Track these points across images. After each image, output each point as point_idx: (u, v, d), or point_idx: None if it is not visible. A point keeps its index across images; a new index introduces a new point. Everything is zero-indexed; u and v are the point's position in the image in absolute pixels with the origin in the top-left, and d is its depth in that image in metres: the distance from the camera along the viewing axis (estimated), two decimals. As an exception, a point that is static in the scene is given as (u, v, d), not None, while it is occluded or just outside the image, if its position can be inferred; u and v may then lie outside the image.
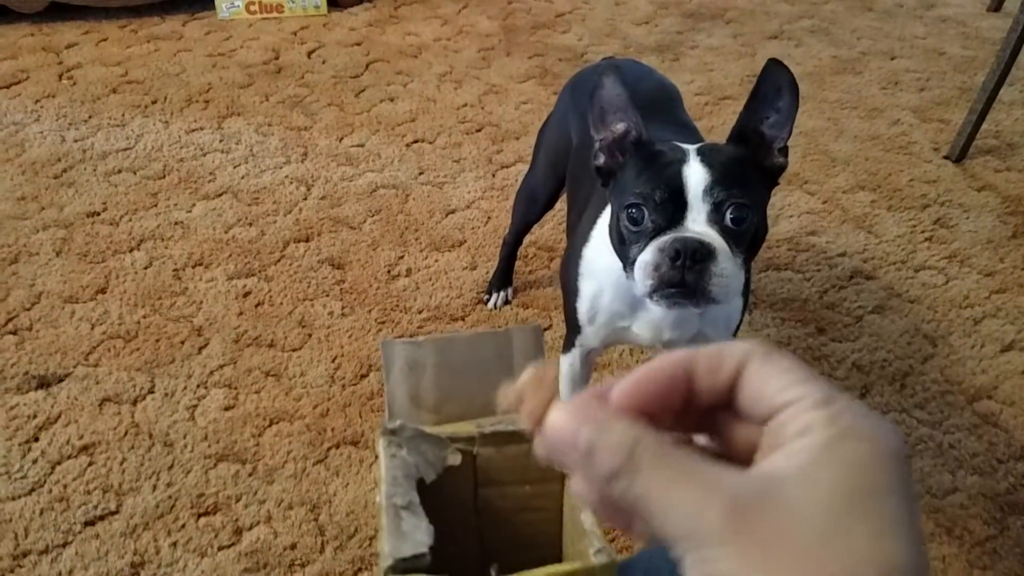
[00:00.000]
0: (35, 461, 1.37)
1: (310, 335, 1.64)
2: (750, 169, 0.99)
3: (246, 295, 1.73)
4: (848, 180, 2.21)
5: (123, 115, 2.30)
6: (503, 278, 1.76)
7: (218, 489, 1.35)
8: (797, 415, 0.31)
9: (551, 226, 1.92)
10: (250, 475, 1.37)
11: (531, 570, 0.42)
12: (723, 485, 0.30)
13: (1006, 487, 1.44)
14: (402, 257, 1.86)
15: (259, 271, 1.79)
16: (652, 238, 0.95)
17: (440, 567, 0.42)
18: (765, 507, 0.29)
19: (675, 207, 0.95)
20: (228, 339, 1.62)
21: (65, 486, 1.34)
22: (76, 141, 2.18)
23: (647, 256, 0.94)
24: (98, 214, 1.93)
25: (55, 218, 1.91)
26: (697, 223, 0.95)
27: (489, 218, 2.00)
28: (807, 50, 2.90)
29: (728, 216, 0.94)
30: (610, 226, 1.05)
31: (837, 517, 0.28)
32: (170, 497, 1.33)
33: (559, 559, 0.45)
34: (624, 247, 1.01)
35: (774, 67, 0.95)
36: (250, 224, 1.93)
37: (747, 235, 0.96)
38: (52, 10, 2.80)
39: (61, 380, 1.52)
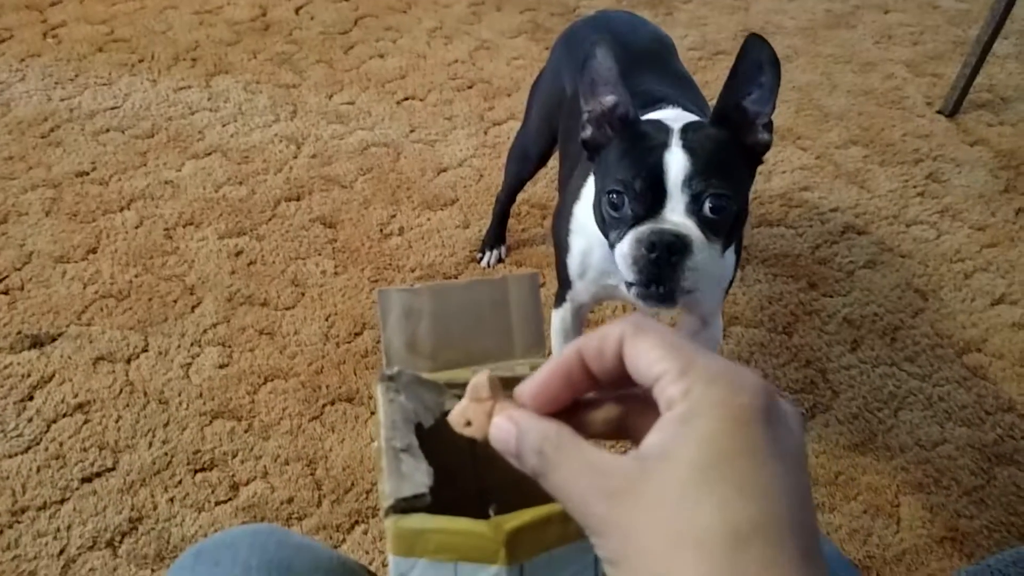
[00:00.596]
0: (30, 420, 1.38)
1: (303, 294, 1.64)
2: (733, 152, 0.99)
3: (238, 254, 1.72)
4: (841, 135, 2.20)
5: (110, 73, 2.27)
6: (496, 236, 1.76)
7: (214, 446, 1.36)
8: (663, 390, 0.33)
9: (544, 183, 1.92)
10: (246, 432, 1.38)
11: (529, 509, 0.43)
12: (605, 475, 0.32)
13: (993, 438, 1.46)
14: (394, 216, 1.85)
15: (250, 230, 1.79)
16: (632, 226, 0.97)
17: (439, 508, 0.42)
18: (635, 491, 0.31)
19: (654, 196, 0.96)
20: (221, 298, 1.62)
21: (61, 444, 1.35)
22: (63, 100, 2.15)
23: (625, 247, 0.96)
24: (87, 173, 1.92)
25: (43, 178, 1.89)
26: (675, 213, 0.95)
27: (481, 176, 1.99)
28: (801, 4, 2.87)
29: (707, 206, 0.95)
30: (594, 203, 1.06)
31: (688, 492, 0.30)
32: (166, 454, 1.34)
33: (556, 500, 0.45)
34: (605, 228, 1.02)
35: (755, 42, 0.95)
36: (240, 183, 1.92)
37: (726, 224, 0.97)
38: (34, -34, 2.75)
39: (54, 339, 1.52)
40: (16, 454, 1.33)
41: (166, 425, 1.39)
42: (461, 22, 2.65)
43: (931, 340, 1.63)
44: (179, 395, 1.43)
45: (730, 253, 1.15)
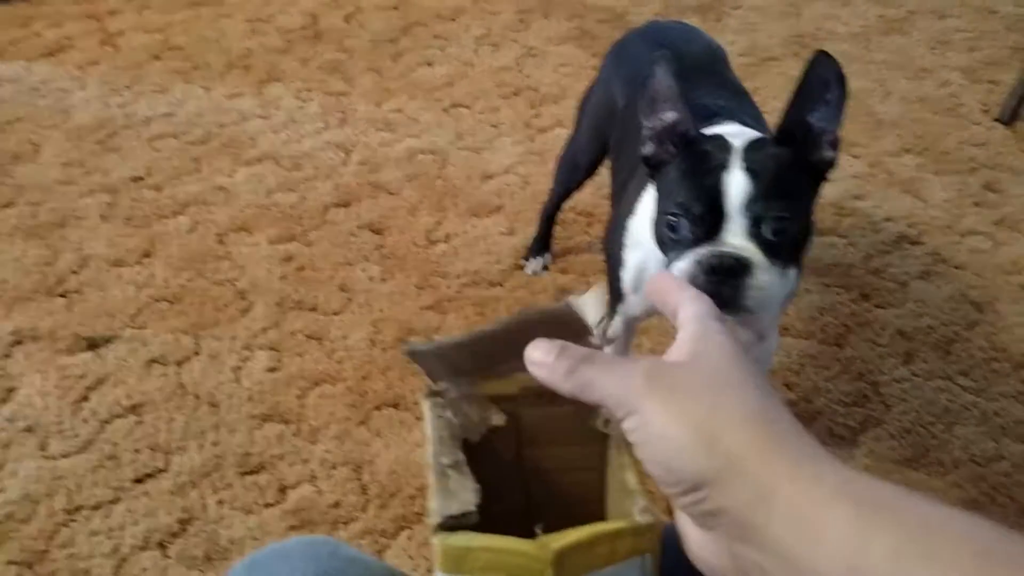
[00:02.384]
0: (85, 420, 1.41)
1: (350, 299, 1.66)
2: (795, 172, 0.97)
3: (288, 259, 1.75)
4: (895, 143, 2.16)
5: (165, 81, 2.32)
6: (542, 243, 1.76)
7: (263, 449, 1.38)
8: (677, 320, 0.46)
9: (590, 191, 1.91)
10: (294, 435, 1.40)
11: (575, 528, 0.43)
12: (641, 363, 0.42)
13: (1053, 455, 1.42)
14: (440, 222, 1.86)
15: (300, 236, 1.81)
16: (690, 247, 0.95)
17: (486, 525, 0.42)
18: (670, 371, 0.41)
19: (713, 219, 0.94)
20: (271, 302, 1.64)
21: (115, 444, 1.38)
22: (120, 107, 2.20)
23: (684, 267, 0.95)
24: (142, 179, 1.96)
25: (101, 183, 1.94)
26: (736, 236, 0.94)
27: (527, 183, 1.99)
28: (853, 9, 2.82)
29: (768, 229, 0.93)
30: (655, 222, 1.05)
31: (712, 383, 0.40)
32: (216, 456, 1.36)
33: (603, 518, 0.45)
34: (664, 249, 1.01)
35: (821, 59, 0.92)
36: (291, 189, 1.94)
37: (787, 246, 0.95)
38: (94, -23, 2.82)
39: (109, 341, 1.55)
40: (71, 454, 1.36)
41: (216, 428, 1.41)
42: (508, 29, 2.66)
43: (986, 353, 1.59)
44: (229, 398, 1.46)
45: (794, 269, 1.13)
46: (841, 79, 0.94)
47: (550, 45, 2.57)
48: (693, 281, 0.93)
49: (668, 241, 0.99)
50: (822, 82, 0.94)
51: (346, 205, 1.90)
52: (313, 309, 1.63)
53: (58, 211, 1.85)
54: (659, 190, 1.05)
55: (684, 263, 0.95)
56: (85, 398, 1.45)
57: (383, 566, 0.51)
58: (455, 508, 0.42)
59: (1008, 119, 2.22)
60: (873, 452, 1.41)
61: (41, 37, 2.49)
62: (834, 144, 0.99)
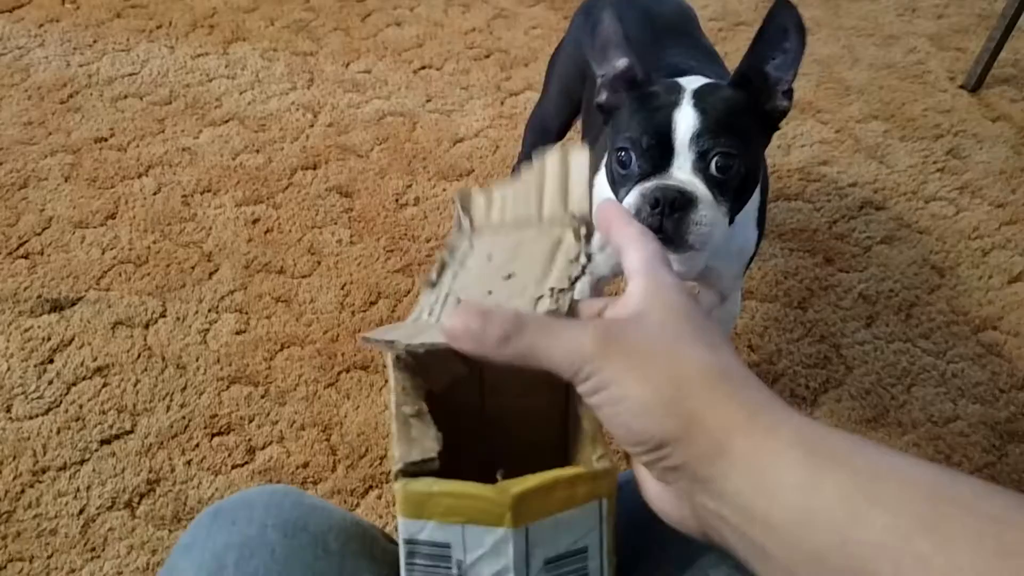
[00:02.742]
0: (50, 382, 1.40)
1: (319, 262, 1.65)
2: (747, 114, 0.99)
3: (255, 222, 1.73)
4: (862, 109, 2.18)
5: (128, 40, 2.27)
6: (512, 207, 1.75)
7: (231, 410, 1.38)
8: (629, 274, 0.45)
9: (560, 154, 1.91)
10: (262, 397, 1.40)
11: (535, 474, 0.44)
12: (590, 325, 0.41)
13: (1007, 416, 1.45)
14: (410, 186, 1.86)
15: (267, 198, 1.79)
16: (638, 182, 0.97)
17: (448, 475, 0.43)
18: (623, 332, 0.41)
19: (661, 153, 0.96)
20: (238, 265, 1.63)
21: (81, 406, 1.37)
22: (81, 66, 2.16)
23: (629, 200, 0.97)
24: (106, 140, 1.93)
25: (63, 143, 1.90)
26: (682, 170, 0.96)
27: (497, 147, 1.99)
28: (824, -24, 2.82)
29: (714, 164, 0.95)
30: (605, 164, 1.06)
31: (667, 340, 0.40)
32: (184, 418, 1.36)
33: (564, 466, 0.46)
34: (615, 187, 1.03)
35: (782, 7, 0.94)
36: (257, 151, 1.92)
37: (733, 183, 0.97)
38: (52, -69, 2.74)
39: (74, 304, 1.53)
40: (37, 415, 1.35)
41: (183, 389, 1.40)
42: (479, -9, 2.63)
43: (947, 317, 1.63)
44: (196, 360, 1.45)
45: (752, 228, 1.15)
46: (800, 28, 0.95)
47: (521, 7, 2.55)
48: (638, 215, 0.95)
49: (618, 177, 1.01)
50: (781, 30, 0.95)
51: (314, 167, 1.89)
52: (281, 272, 1.63)
53: (19, 172, 1.82)
54: (610, 132, 1.06)
55: (630, 197, 0.97)
56: (50, 360, 1.44)
57: (346, 515, 0.52)
58: (416, 455, 0.42)
59: (973, 87, 2.25)
60: (834, 413, 1.45)
61: (-2, -8, 2.42)
62: (788, 94, 1.00)
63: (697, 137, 0.95)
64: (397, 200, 1.81)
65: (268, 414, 1.38)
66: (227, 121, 2.01)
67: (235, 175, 1.85)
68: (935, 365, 1.53)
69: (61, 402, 1.37)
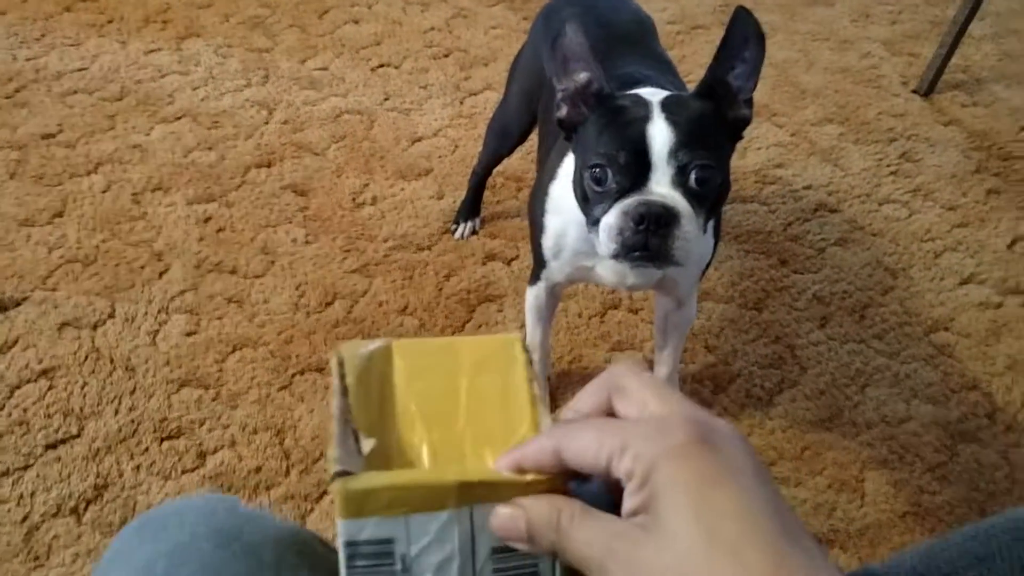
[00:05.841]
0: (-7, 385, 1.36)
1: (273, 262, 1.63)
2: (715, 124, 0.98)
3: (207, 220, 1.70)
4: (816, 113, 2.21)
5: (78, 34, 2.22)
6: (471, 208, 1.75)
7: (181, 414, 1.35)
8: (616, 470, 0.39)
9: (520, 156, 1.90)
10: (213, 400, 1.37)
11: (483, 467, 0.46)
12: (619, 538, 0.38)
13: (958, 416, 1.48)
14: (367, 185, 1.83)
15: (220, 196, 1.76)
16: (616, 199, 0.95)
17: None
18: (644, 555, 0.37)
19: (639, 168, 0.94)
20: (189, 264, 1.60)
21: (25, 410, 1.33)
22: (28, 60, 2.10)
23: (611, 219, 0.94)
24: (53, 136, 1.88)
25: (8, 139, 1.85)
26: (661, 185, 0.94)
27: (456, 146, 1.97)
28: (780, -20, 2.86)
29: (693, 177, 0.94)
30: (573, 181, 1.04)
31: (694, 558, 0.35)
32: (132, 421, 1.33)
33: None
34: (587, 205, 1.00)
35: (741, 16, 0.93)
36: (210, 148, 1.89)
37: (711, 196, 0.96)
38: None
39: (18, 304, 1.49)
40: (-22, 420, 1.31)
41: (132, 392, 1.37)
42: (438, -11, 2.61)
43: (899, 318, 1.65)
44: (146, 362, 1.42)
45: (710, 235, 1.15)
46: (760, 38, 0.95)
47: (481, 6, 2.54)
48: (620, 234, 0.93)
49: (592, 195, 0.98)
50: (742, 38, 0.95)
51: (268, 165, 1.86)
52: (233, 272, 1.60)
53: (-39, 168, 1.76)
54: (577, 150, 1.04)
55: (611, 216, 0.94)
56: (-8, 363, 1.39)
57: (284, 525, 0.50)
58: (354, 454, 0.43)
59: (926, 91, 2.29)
60: (788, 413, 1.46)
61: (-58, -17, 2.35)
62: (749, 103, 1.00)
63: (675, 151, 0.93)
64: (354, 199, 1.79)
65: (219, 417, 1.35)
66: (179, 118, 1.97)
67: (187, 173, 1.81)
68: (888, 366, 1.55)
69: (4, 406, 1.33)
